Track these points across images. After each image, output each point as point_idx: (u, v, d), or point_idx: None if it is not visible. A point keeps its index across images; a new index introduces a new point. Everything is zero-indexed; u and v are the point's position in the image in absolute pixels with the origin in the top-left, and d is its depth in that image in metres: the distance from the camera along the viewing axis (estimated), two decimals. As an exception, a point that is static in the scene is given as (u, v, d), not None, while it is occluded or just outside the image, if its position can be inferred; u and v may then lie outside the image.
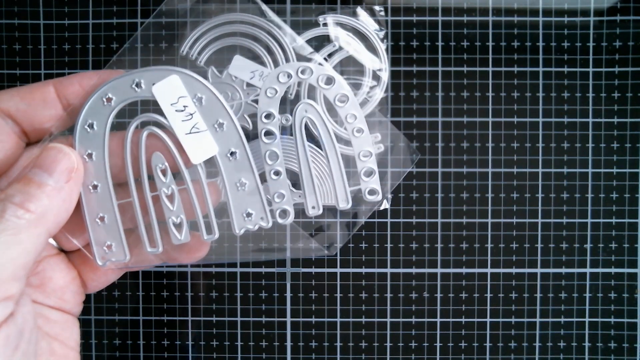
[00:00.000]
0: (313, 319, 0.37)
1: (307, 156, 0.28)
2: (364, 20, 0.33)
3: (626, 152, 0.37)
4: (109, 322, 0.37)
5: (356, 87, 0.30)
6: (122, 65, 0.30)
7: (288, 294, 0.37)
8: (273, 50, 0.30)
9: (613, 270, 0.37)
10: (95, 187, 0.27)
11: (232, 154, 0.27)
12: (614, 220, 0.37)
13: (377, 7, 0.34)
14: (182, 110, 0.26)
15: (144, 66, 0.28)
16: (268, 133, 0.28)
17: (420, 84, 0.37)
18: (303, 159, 0.28)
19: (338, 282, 0.37)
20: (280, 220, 0.28)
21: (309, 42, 0.31)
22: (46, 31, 0.37)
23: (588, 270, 0.37)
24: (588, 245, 0.37)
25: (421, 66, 0.37)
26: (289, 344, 0.37)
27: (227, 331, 0.37)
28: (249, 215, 0.27)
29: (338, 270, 0.37)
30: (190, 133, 0.27)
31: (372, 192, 0.29)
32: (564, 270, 0.37)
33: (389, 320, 0.37)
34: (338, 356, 0.37)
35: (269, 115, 0.28)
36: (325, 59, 0.31)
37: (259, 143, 0.28)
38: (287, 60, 0.30)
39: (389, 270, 0.37)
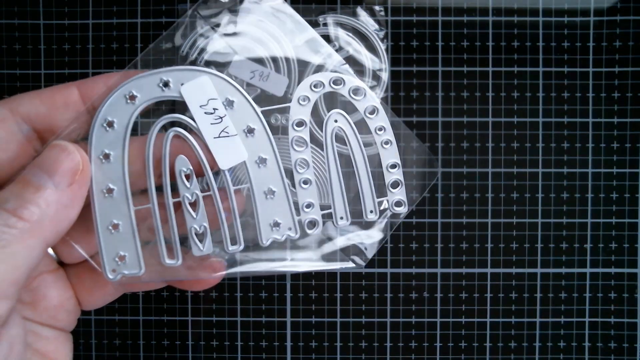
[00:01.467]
0: (313, 319, 0.37)
1: (337, 166, 0.28)
2: (364, 20, 0.33)
3: (626, 152, 0.37)
4: (109, 322, 0.37)
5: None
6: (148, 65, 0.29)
7: (288, 294, 0.37)
8: (273, 50, 0.30)
9: (613, 270, 0.37)
10: (110, 190, 0.25)
11: (262, 160, 0.26)
12: (614, 220, 0.37)
13: (377, 7, 0.34)
14: (211, 113, 0.25)
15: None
16: (299, 141, 0.27)
17: (420, 84, 0.37)
18: (333, 168, 0.28)
19: (338, 282, 0.37)
20: (309, 231, 0.27)
21: (309, 42, 0.31)
22: (46, 31, 0.37)
23: (588, 270, 0.37)
24: (588, 245, 0.37)
25: (421, 66, 0.37)
26: (289, 344, 0.37)
27: (227, 331, 0.37)
28: (276, 225, 0.26)
29: (338, 270, 0.37)
30: (219, 137, 0.25)
31: (398, 204, 0.28)
32: (564, 270, 0.37)
33: (389, 320, 0.37)
34: (338, 356, 0.37)
35: (300, 123, 0.27)
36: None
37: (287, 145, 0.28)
38: (288, 60, 0.30)
39: (389, 270, 0.37)
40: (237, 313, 0.37)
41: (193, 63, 0.32)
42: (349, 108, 0.28)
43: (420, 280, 0.37)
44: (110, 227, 0.25)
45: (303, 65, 0.30)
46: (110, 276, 0.25)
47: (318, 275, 0.37)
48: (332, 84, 0.27)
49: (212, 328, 0.37)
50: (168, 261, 0.25)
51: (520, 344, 0.37)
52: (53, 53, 0.37)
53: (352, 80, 0.27)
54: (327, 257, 0.30)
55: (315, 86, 0.27)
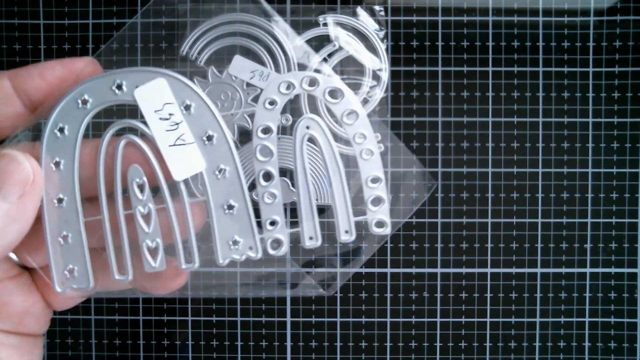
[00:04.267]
0: (313, 319, 0.37)
1: (307, 179, 0.25)
2: (364, 20, 0.33)
3: (626, 152, 0.37)
4: (109, 322, 0.37)
5: (356, 87, 0.30)
6: (110, 62, 0.27)
7: (288, 294, 0.37)
8: (273, 50, 0.30)
9: (613, 270, 0.37)
10: (60, 200, 0.23)
11: (220, 171, 0.24)
12: (614, 220, 0.37)
13: (377, 7, 0.34)
14: (167, 119, 0.23)
15: (130, 65, 0.24)
16: (263, 150, 0.25)
17: (420, 84, 0.37)
18: (302, 182, 0.25)
19: (338, 282, 0.37)
20: (271, 252, 0.25)
21: (308, 42, 0.31)
22: (46, 31, 0.37)
23: (588, 270, 0.37)
24: (588, 245, 0.37)
25: (421, 66, 0.37)
26: (289, 344, 0.37)
27: (227, 331, 0.37)
28: (235, 243, 0.24)
29: (338, 270, 0.37)
30: (174, 145, 0.23)
31: (380, 224, 0.25)
32: (564, 270, 0.37)
33: (389, 320, 0.37)
34: (338, 356, 0.37)
35: (266, 130, 0.25)
36: (325, 59, 0.31)
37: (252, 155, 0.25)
38: (288, 60, 0.30)
39: (388, 270, 0.37)
40: (237, 313, 0.37)
41: (193, 63, 0.32)
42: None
43: (420, 280, 0.37)
44: (60, 239, 0.23)
45: (303, 65, 0.30)
46: (59, 289, 0.24)
47: (318, 275, 0.37)
48: (304, 85, 0.25)
49: (212, 328, 0.37)
50: (118, 277, 0.24)
51: (520, 344, 0.37)
52: (53, 53, 0.37)
53: (326, 80, 0.25)
54: (293, 283, 0.27)
55: (284, 88, 0.25)
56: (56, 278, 0.23)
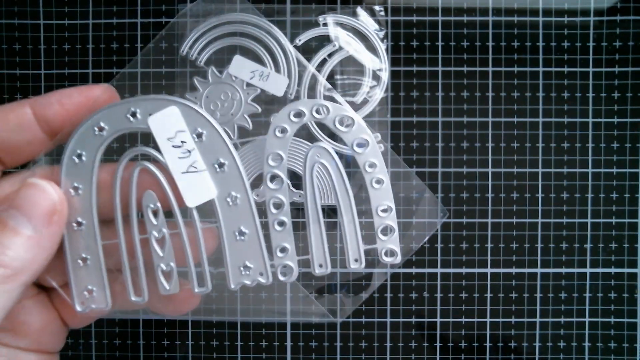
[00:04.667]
0: (313, 319, 0.37)
1: (317, 207, 0.25)
2: (364, 20, 0.33)
3: (626, 152, 0.37)
4: (109, 322, 0.37)
5: (356, 87, 0.30)
6: (123, 88, 0.27)
7: (288, 294, 0.37)
8: (273, 50, 0.30)
9: (613, 270, 0.37)
10: (79, 224, 0.24)
11: (232, 198, 0.24)
12: (614, 220, 0.37)
13: (377, 7, 0.34)
14: (179, 146, 0.24)
15: (143, 88, 0.25)
16: (274, 177, 0.25)
17: (420, 84, 0.37)
18: (312, 209, 0.25)
19: (337, 282, 0.37)
20: (281, 278, 0.25)
21: (308, 42, 0.31)
22: (46, 31, 0.37)
23: (588, 270, 0.37)
24: (588, 245, 0.37)
25: (421, 66, 0.37)
26: (289, 344, 0.37)
27: (227, 331, 0.37)
28: (246, 268, 0.25)
29: (338, 270, 0.37)
30: (187, 172, 0.24)
31: (390, 253, 0.25)
32: (564, 270, 0.37)
33: (388, 320, 0.37)
34: (338, 356, 0.37)
35: (276, 158, 0.25)
36: (325, 58, 0.31)
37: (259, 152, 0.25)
38: (287, 60, 0.30)
39: (388, 270, 0.37)
40: (237, 313, 0.37)
41: (193, 63, 0.32)
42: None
43: (421, 280, 0.37)
44: (80, 261, 0.24)
45: (303, 65, 0.30)
46: (79, 309, 0.24)
47: (318, 275, 0.37)
48: (314, 113, 0.25)
49: (212, 328, 0.37)
50: (134, 298, 0.25)
51: (520, 344, 0.37)
52: (53, 53, 0.37)
53: (337, 108, 0.25)
54: (298, 307, 0.28)
55: (294, 115, 0.25)
56: (76, 298, 0.24)
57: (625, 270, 0.37)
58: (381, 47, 0.32)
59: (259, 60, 0.30)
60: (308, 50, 0.31)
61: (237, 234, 0.24)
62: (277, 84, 0.29)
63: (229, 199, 0.24)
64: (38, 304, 0.25)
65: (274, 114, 0.25)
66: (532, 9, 0.37)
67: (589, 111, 0.37)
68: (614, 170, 0.37)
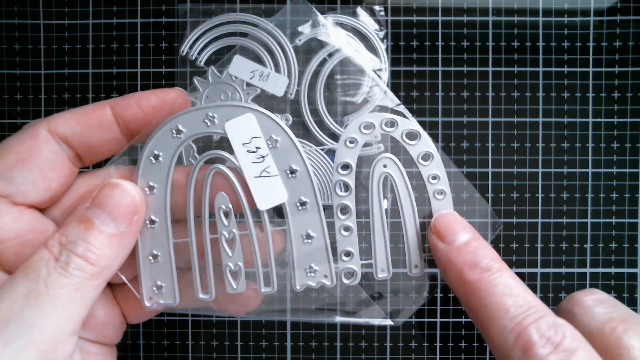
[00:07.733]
0: (313, 319, 0.37)
1: (382, 214, 0.26)
2: (364, 20, 0.33)
3: (626, 152, 0.37)
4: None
5: (356, 87, 0.30)
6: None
7: (288, 294, 0.37)
8: (273, 50, 0.30)
9: (613, 270, 0.37)
10: (152, 222, 0.25)
11: (302, 204, 0.25)
12: (614, 220, 0.37)
13: (377, 7, 0.34)
14: (254, 152, 0.25)
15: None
16: (343, 185, 0.26)
17: (420, 84, 0.37)
18: (378, 217, 0.26)
19: (338, 282, 0.37)
20: (345, 281, 0.26)
21: (308, 42, 0.31)
22: (46, 31, 0.37)
23: (588, 270, 0.37)
24: (588, 245, 0.37)
25: (421, 66, 0.37)
26: (289, 344, 0.37)
27: (227, 331, 0.37)
28: (312, 271, 0.26)
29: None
30: (259, 177, 0.25)
31: None
32: (564, 270, 0.37)
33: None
34: (338, 356, 0.37)
35: (346, 167, 0.26)
36: (325, 58, 0.31)
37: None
38: (287, 60, 0.30)
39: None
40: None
41: (193, 63, 0.32)
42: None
43: (420, 280, 0.37)
44: (150, 257, 0.25)
45: (303, 65, 0.30)
46: (148, 304, 0.25)
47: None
48: (383, 126, 0.26)
49: (212, 328, 0.37)
50: (202, 296, 0.26)
51: (520, 344, 0.37)
52: (53, 53, 0.37)
53: (405, 122, 0.26)
54: (359, 308, 0.29)
55: (365, 127, 0.26)
56: (145, 293, 0.25)
57: (625, 270, 0.37)
58: (381, 47, 0.32)
59: (259, 60, 0.30)
60: (308, 50, 0.31)
61: (304, 237, 0.26)
62: (277, 84, 0.29)
63: (298, 204, 0.25)
64: (104, 299, 0.26)
65: (346, 125, 0.26)
66: (532, 9, 0.37)
67: (589, 111, 0.37)
68: (614, 170, 0.37)
